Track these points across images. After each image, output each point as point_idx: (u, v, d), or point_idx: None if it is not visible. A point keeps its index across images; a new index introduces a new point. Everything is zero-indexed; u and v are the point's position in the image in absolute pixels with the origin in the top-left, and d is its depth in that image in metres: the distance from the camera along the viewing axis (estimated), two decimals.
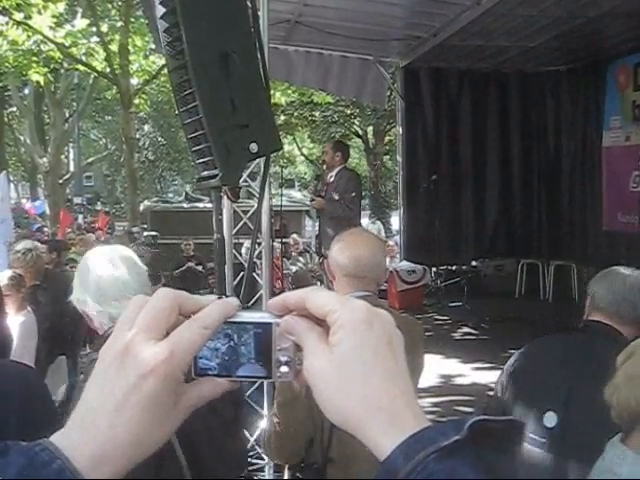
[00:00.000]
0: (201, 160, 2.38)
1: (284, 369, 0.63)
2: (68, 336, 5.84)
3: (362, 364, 0.57)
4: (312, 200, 7.57)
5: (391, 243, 12.31)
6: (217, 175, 2.31)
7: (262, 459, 4.49)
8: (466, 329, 8.04)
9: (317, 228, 8.04)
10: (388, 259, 11.12)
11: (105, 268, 2.02)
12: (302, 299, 0.61)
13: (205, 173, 2.40)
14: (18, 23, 13.82)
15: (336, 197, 7.03)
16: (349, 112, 21.81)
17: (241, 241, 6.93)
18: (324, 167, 7.58)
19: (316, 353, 0.59)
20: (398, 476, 0.52)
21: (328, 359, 0.58)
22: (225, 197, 2.89)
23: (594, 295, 2.28)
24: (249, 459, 4.36)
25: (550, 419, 2.13)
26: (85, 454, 0.56)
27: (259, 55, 2.50)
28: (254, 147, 2.26)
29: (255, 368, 0.64)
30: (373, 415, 0.56)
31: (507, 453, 0.55)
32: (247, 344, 0.63)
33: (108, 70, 16.27)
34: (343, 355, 0.58)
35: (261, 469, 4.47)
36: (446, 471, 0.51)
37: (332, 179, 7.25)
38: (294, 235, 12.44)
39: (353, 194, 7.10)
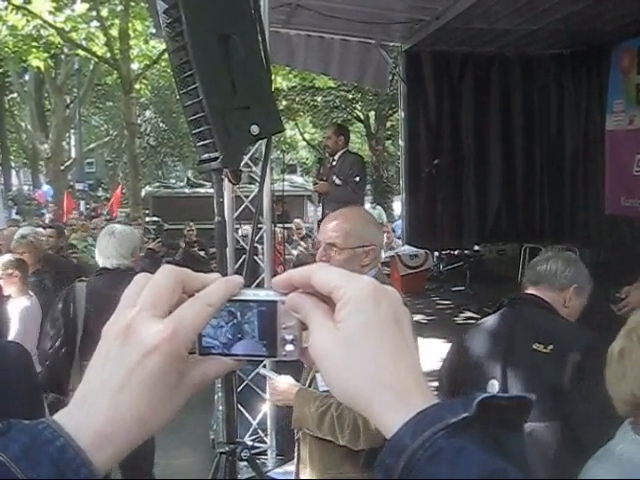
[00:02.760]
0: (202, 143, 2.36)
1: (289, 347, 0.62)
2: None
3: (369, 341, 0.56)
4: (315, 184, 7.50)
5: (386, 225, 12.25)
6: (218, 157, 2.29)
7: (264, 442, 4.51)
8: (468, 313, 8.05)
9: (319, 213, 8.02)
10: (385, 244, 11.12)
11: (104, 234, 3.78)
12: (307, 276, 0.60)
13: (206, 156, 2.39)
14: (17, 8, 13.73)
15: (338, 182, 6.99)
16: (351, 97, 21.70)
17: (244, 227, 6.91)
18: (327, 152, 7.50)
19: (322, 330, 0.58)
20: (405, 453, 0.51)
21: (334, 336, 0.57)
22: (226, 180, 2.88)
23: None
24: (252, 443, 4.38)
25: (491, 387, 2.41)
26: (88, 433, 0.55)
27: (260, 37, 2.47)
28: (255, 129, 2.25)
29: (260, 346, 0.63)
30: (380, 392, 0.55)
31: (515, 430, 0.54)
32: (251, 322, 0.63)
33: (108, 55, 16.18)
34: (349, 332, 0.57)
35: (264, 452, 4.50)
36: (454, 448, 0.50)
37: (335, 163, 7.20)
38: (297, 220, 12.42)
39: (358, 178, 7.05)
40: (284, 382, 2.51)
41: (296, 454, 2.65)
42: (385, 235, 11.47)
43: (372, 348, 0.56)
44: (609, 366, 1.67)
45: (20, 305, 4.40)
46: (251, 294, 0.63)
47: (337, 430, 2.21)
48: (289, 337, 0.62)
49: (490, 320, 2.63)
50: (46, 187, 22.57)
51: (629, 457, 1.57)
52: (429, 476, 0.50)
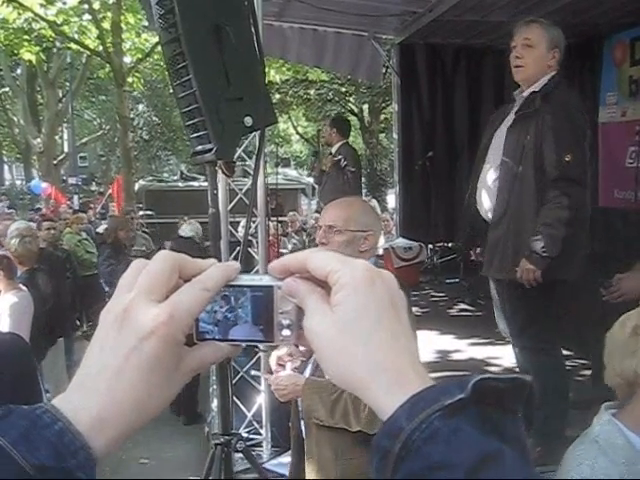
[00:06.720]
0: (195, 134, 2.36)
1: (286, 332, 0.62)
2: (66, 316, 5.87)
3: (364, 324, 0.56)
4: (312, 170, 7.59)
5: (386, 217, 12.26)
6: (212, 149, 2.29)
7: (259, 434, 4.52)
8: (462, 305, 8.07)
9: (313, 206, 8.02)
10: (383, 235, 11.13)
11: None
12: (303, 261, 0.60)
13: (199, 147, 2.38)
14: (8, 0, 13.62)
15: (343, 163, 7.12)
16: (344, 90, 21.65)
17: (237, 219, 6.91)
18: (324, 145, 7.59)
19: (317, 314, 0.58)
20: (402, 435, 0.51)
21: (330, 319, 0.57)
22: (220, 173, 2.87)
23: None
24: (247, 434, 4.39)
25: None
26: (86, 417, 0.55)
27: (253, 29, 2.46)
28: (249, 121, 2.25)
29: (256, 331, 0.63)
30: (376, 375, 0.55)
31: (512, 413, 0.54)
32: (247, 307, 0.63)
33: (101, 48, 16.07)
34: (345, 315, 0.57)
35: (259, 444, 4.50)
36: (450, 429, 0.51)
37: (334, 152, 7.32)
38: (291, 213, 12.41)
39: (352, 169, 7.12)
40: (285, 375, 2.41)
41: (293, 448, 2.61)
42: (383, 223, 11.50)
43: (368, 331, 0.56)
44: (616, 338, 1.64)
45: (9, 301, 4.42)
46: (248, 279, 0.63)
47: (352, 415, 2.15)
48: (286, 322, 0.62)
49: None
50: (34, 182, 22.42)
51: (605, 438, 1.57)
52: (425, 457, 0.50)
